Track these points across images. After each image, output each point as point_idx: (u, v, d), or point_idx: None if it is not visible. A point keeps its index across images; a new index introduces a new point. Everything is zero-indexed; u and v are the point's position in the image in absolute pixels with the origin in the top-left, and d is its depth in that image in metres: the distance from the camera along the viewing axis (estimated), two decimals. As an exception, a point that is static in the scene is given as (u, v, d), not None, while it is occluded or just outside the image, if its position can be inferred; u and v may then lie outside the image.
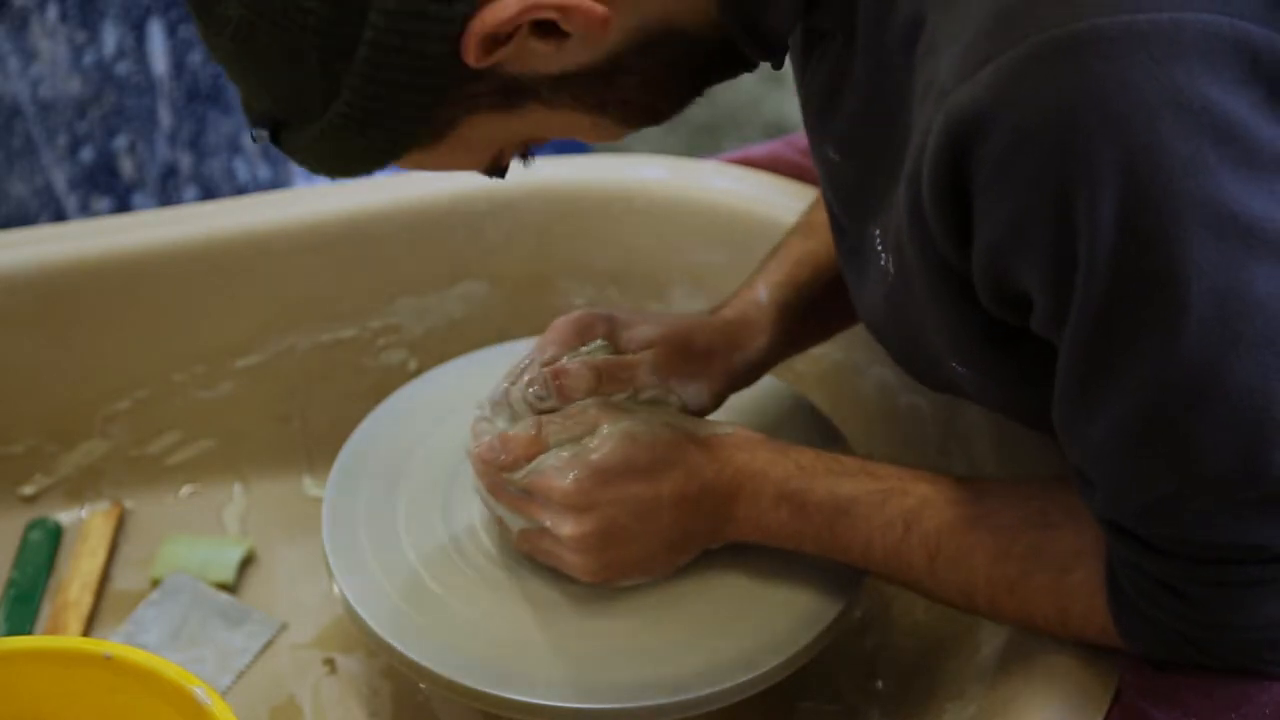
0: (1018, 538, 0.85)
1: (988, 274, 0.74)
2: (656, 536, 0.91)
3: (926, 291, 0.78)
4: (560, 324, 0.97)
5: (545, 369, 0.94)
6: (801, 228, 1.07)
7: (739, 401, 1.10)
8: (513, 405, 0.94)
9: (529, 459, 0.91)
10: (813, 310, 1.04)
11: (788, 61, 0.89)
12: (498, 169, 0.85)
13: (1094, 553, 0.83)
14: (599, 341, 0.97)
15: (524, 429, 0.91)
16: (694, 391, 0.98)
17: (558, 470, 0.90)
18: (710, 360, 0.99)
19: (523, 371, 0.96)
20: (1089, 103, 0.67)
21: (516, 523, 0.93)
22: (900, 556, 0.88)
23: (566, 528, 0.90)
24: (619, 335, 0.98)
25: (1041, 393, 0.78)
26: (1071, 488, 0.85)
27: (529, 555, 0.95)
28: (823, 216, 1.05)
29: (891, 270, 0.82)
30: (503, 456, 0.91)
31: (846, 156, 0.86)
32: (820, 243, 1.04)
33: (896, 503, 0.88)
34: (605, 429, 0.90)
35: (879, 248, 0.83)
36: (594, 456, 0.89)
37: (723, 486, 0.91)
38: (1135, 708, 0.83)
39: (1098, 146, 0.67)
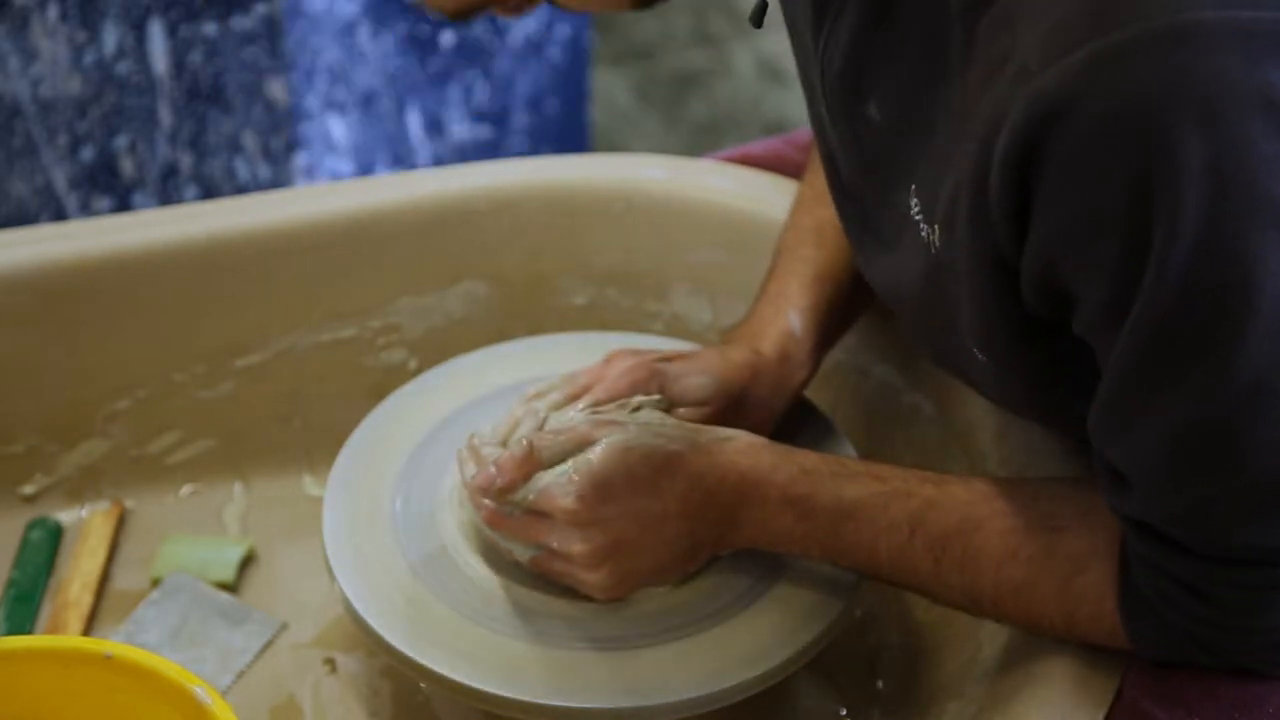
0: (1025, 540, 0.85)
1: (1040, 265, 0.73)
2: (665, 547, 0.90)
3: (969, 273, 0.78)
4: (614, 371, 0.97)
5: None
6: (809, 237, 1.06)
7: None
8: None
9: (525, 479, 0.90)
10: (839, 326, 1.05)
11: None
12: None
13: (1105, 555, 0.83)
14: (655, 397, 0.97)
15: (515, 449, 0.91)
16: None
17: (560, 488, 0.89)
18: (761, 408, 1.00)
19: (545, 399, 0.96)
20: (1183, 96, 0.66)
21: (525, 551, 0.93)
22: (905, 560, 0.88)
23: (575, 546, 0.89)
24: (670, 388, 0.98)
25: (1063, 391, 0.78)
26: (1081, 489, 0.85)
27: (545, 578, 0.94)
28: (823, 220, 1.04)
29: (937, 244, 0.80)
30: (499, 481, 0.90)
31: (889, 117, 0.84)
32: (833, 251, 1.04)
33: (901, 505, 0.88)
34: (602, 442, 0.90)
35: (917, 217, 0.82)
36: (595, 471, 0.89)
37: (726, 493, 0.90)
38: (1138, 707, 0.83)
39: (1188, 141, 0.66)
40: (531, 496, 0.90)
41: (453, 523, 1.01)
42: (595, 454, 0.89)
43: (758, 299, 1.06)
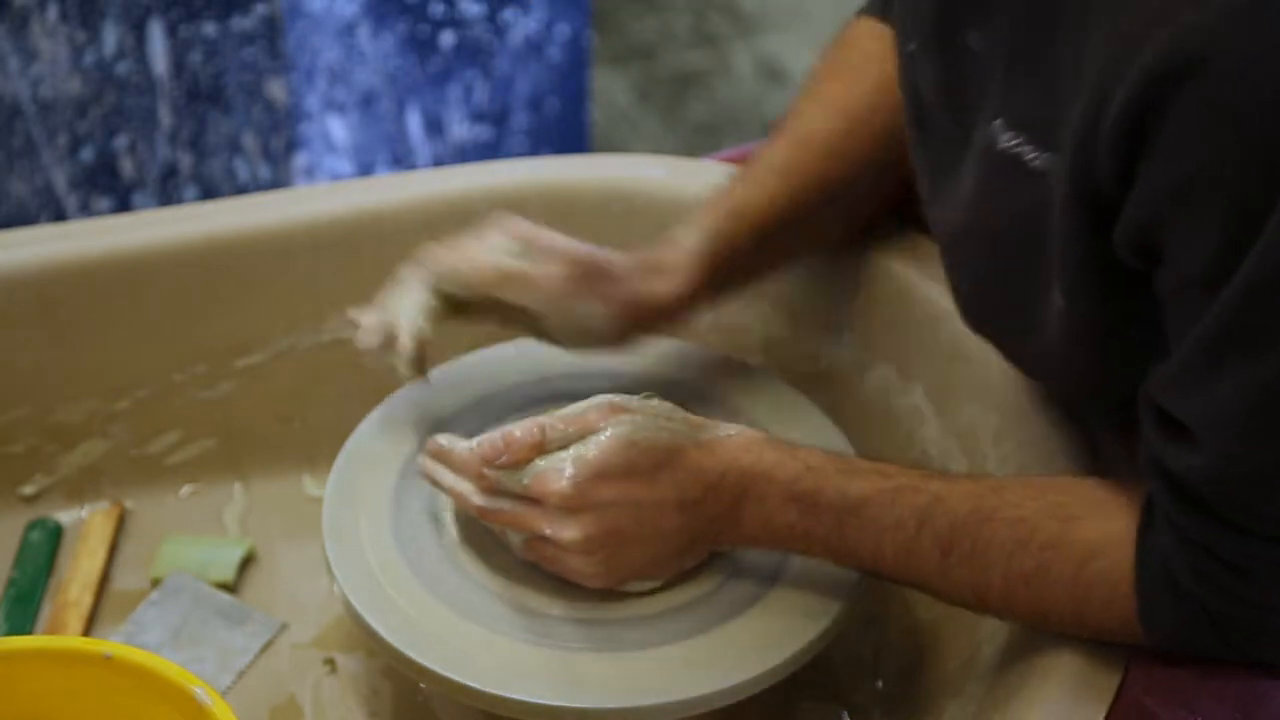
0: (1036, 530, 0.85)
1: (1142, 215, 0.73)
2: (660, 540, 0.90)
3: (1067, 209, 0.77)
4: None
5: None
6: (747, 176, 1.05)
7: (736, 400, 1.10)
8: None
9: (528, 460, 0.90)
10: (739, 264, 1.04)
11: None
12: None
13: (1119, 542, 0.83)
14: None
15: (526, 430, 0.91)
16: (592, 312, 0.99)
17: (555, 473, 0.89)
18: (616, 286, 0.99)
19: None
20: None
21: (517, 536, 0.93)
22: (912, 555, 0.87)
23: (567, 532, 0.89)
24: (533, 238, 0.99)
25: (1132, 344, 0.77)
26: (1092, 482, 0.85)
27: (536, 563, 0.94)
28: (772, 167, 1.04)
29: (1040, 175, 0.79)
30: (505, 457, 0.90)
31: (994, 48, 0.82)
32: (764, 194, 1.04)
33: (908, 500, 0.87)
34: (606, 431, 0.90)
35: (1013, 149, 0.80)
36: (591, 458, 0.89)
37: (727, 489, 0.90)
38: (1139, 705, 0.83)
39: None
40: (526, 481, 0.90)
41: (453, 523, 1.01)
42: (596, 442, 0.89)
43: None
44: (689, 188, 1.19)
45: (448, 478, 0.94)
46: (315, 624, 1.11)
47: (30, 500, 1.19)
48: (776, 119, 1.10)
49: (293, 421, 1.22)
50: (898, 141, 0.99)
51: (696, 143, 2.30)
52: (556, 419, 0.91)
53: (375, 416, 1.08)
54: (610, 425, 0.90)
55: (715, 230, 1.02)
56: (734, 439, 0.91)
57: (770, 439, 0.92)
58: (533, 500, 0.90)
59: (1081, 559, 0.84)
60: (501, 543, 0.96)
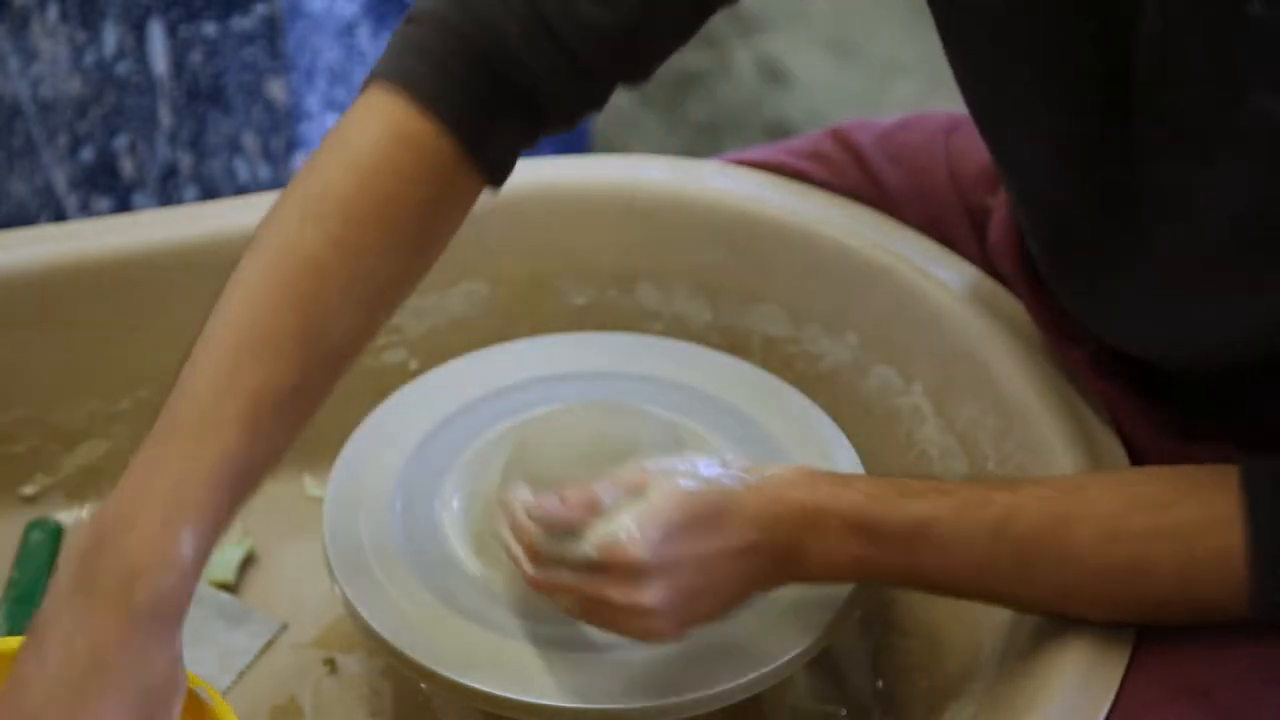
0: (1127, 520, 0.83)
1: None
2: (725, 588, 0.87)
3: None
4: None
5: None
6: (237, 414, 0.82)
7: (737, 400, 1.10)
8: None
9: (583, 522, 0.85)
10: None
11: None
12: None
13: (1226, 520, 0.81)
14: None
15: (578, 491, 0.86)
16: None
17: (626, 539, 0.83)
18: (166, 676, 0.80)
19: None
20: None
21: (573, 603, 0.88)
22: (988, 569, 0.85)
23: (643, 597, 0.84)
24: None
25: None
26: (1180, 471, 0.84)
27: (586, 623, 0.90)
28: (267, 403, 0.83)
29: None
30: (562, 513, 0.85)
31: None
32: (264, 441, 0.83)
33: (976, 515, 0.85)
34: (659, 487, 0.85)
35: None
36: (653, 518, 0.84)
37: (785, 528, 0.86)
38: (1140, 705, 0.83)
39: None
40: (591, 551, 0.84)
41: (453, 523, 1.01)
42: (654, 499, 0.85)
43: (146, 478, 0.80)
44: (689, 188, 1.20)
45: (506, 537, 0.88)
46: (315, 624, 1.11)
47: (31, 500, 1.19)
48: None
49: (293, 421, 1.21)
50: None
51: (696, 143, 2.30)
52: (607, 483, 0.87)
53: (375, 416, 1.08)
54: (660, 481, 0.86)
55: (217, 518, 0.82)
56: (782, 477, 0.88)
57: (821, 472, 0.89)
58: (599, 567, 0.84)
59: (1186, 541, 0.82)
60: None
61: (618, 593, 0.84)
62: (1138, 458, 0.97)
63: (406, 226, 0.87)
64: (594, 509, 0.85)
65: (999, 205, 1.10)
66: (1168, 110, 0.80)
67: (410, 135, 0.86)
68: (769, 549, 0.87)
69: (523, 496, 0.87)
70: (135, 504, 0.80)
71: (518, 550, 0.87)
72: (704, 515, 0.85)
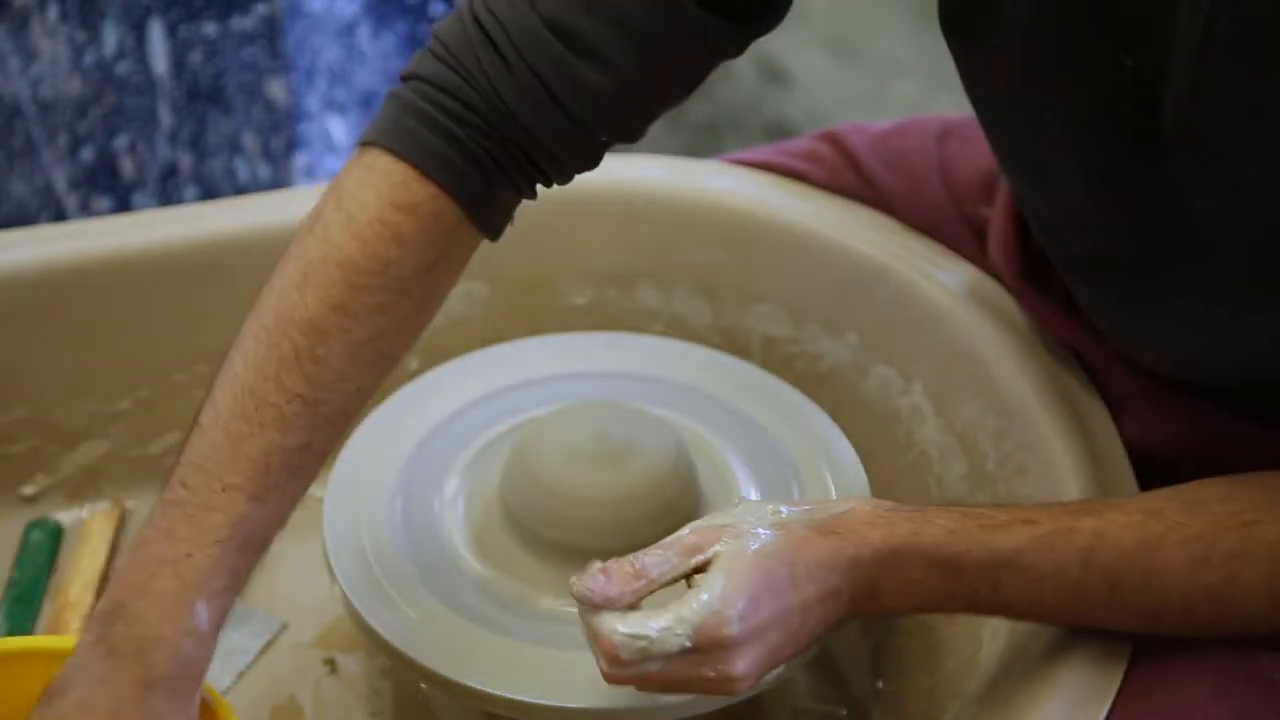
0: (1215, 543, 0.82)
1: None
2: (805, 635, 0.84)
3: None
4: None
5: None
6: (244, 481, 0.83)
7: (737, 400, 1.10)
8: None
9: (635, 595, 0.81)
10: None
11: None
12: None
13: None
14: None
15: (622, 564, 0.82)
16: None
17: (713, 618, 0.79)
18: None
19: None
20: None
21: (652, 688, 0.84)
22: (1077, 599, 0.84)
23: (738, 667, 0.81)
24: None
25: None
26: (1258, 483, 0.84)
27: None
28: (275, 466, 0.85)
29: None
30: (609, 589, 0.80)
31: None
32: (273, 505, 0.85)
33: (1065, 542, 0.83)
34: (723, 553, 0.81)
35: None
36: (738, 587, 0.80)
37: (862, 570, 0.84)
38: (1140, 705, 0.83)
39: None
40: (686, 641, 0.80)
41: (453, 522, 1.01)
42: (724, 570, 0.80)
43: (160, 548, 0.82)
44: (689, 188, 1.20)
45: (588, 635, 0.83)
46: (315, 624, 1.11)
47: (31, 500, 1.19)
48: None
49: (293, 421, 1.21)
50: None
51: (696, 143, 2.30)
52: (654, 548, 0.83)
53: (375, 416, 1.08)
54: (721, 545, 0.82)
55: (231, 584, 0.83)
56: (856, 514, 0.85)
57: (893, 505, 0.86)
58: (689, 651, 0.80)
59: (1276, 558, 0.81)
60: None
61: (711, 670, 0.81)
62: (1164, 455, 0.97)
63: (407, 288, 0.87)
64: (639, 576, 0.81)
65: (996, 215, 1.10)
66: (1199, 132, 0.80)
67: (411, 203, 0.87)
68: (849, 592, 0.84)
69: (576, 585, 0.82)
70: (150, 573, 0.81)
71: (600, 663, 0.82)
72: (782, 571, 0.82)
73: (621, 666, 0.81)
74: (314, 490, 1.19)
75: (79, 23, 1.69)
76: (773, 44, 2.50)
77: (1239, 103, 0.77)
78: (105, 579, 1.14)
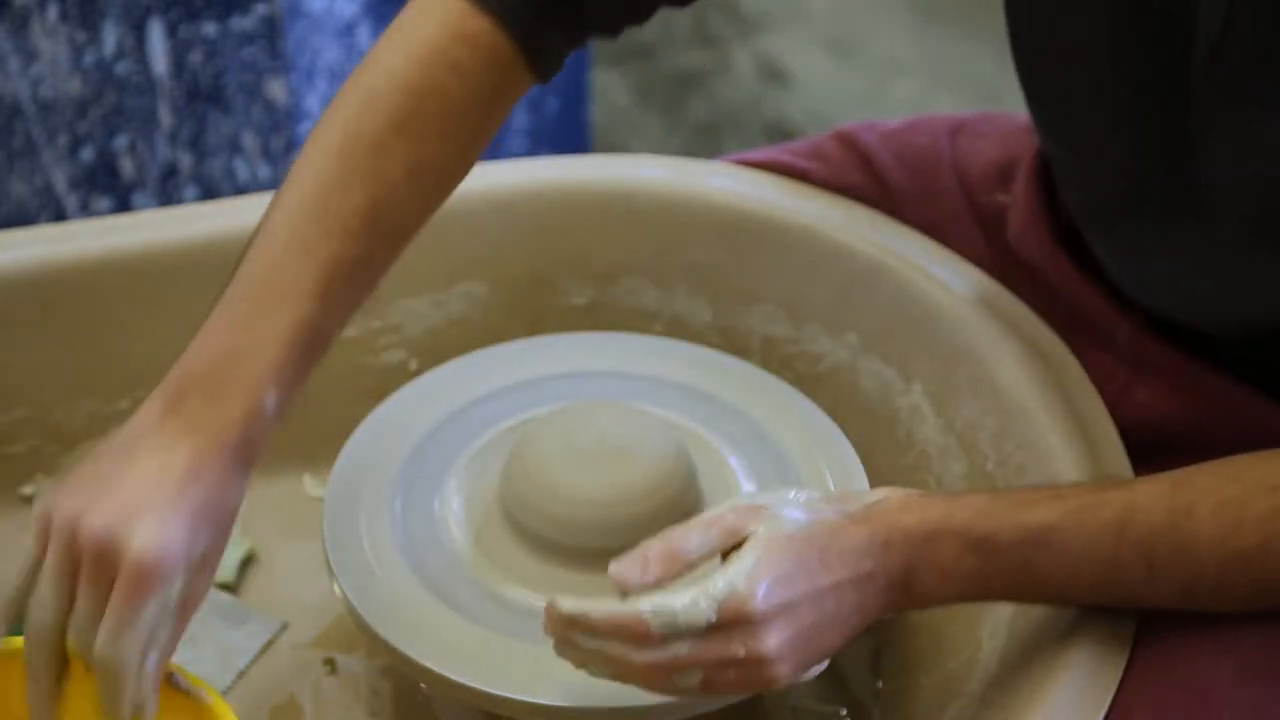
0: (1247, 508, 0.82)
1: None
2: (842, 623, 0.85)
3: None
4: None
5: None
6: (309, 287, 0.88)
7: (736, 400, 1.10)
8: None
9: (671, 575, 0.82)
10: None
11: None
12: None
13: None
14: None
15: (658, 544, 0.83)
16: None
17: (741, 590, 0.80)
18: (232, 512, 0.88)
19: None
20: None
21: (692, 679, 0.83)
22: (1113, 574, 0.84)
23: (767, 644, 0.81)
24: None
25: None
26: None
27: (713, 694, 0.85)
28: (336, 274, 0.89)
29: None
30: (648, 574, 0.81)
31: None
32: (334, 309, 0.90)
33: (1095, 517, 0.84)
34: (760, 532, 0.83)
35: None
36: (764, 564, 0.81)
37: (896, 556, 0.84)
38: (1140, 705, 0.83)
39: None
40: (710, 613, 0.81)
41: (453, 523, 1.01)
42: (756, 548, 0.82)
43: (229, 339, 0.88)
44: (689, 188, 1.20)
45: (590, 644, 0.83)
46: (315, 624, 1.11)
47: (30, 500, 1.19)
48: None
49: (293, 421, 1.21)
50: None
51: (696, 143, 2.30)
52: (692, 524, 0.85)
53: (375, 416, 1.08)
54: (760, 525, 0.83)
55: (296, 377, 0.89)
56: (887, 502, 0.86)
57: (923, 493, 0.88)
58: (716, 628, 0.81)
59: None
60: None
61: (740, 647, 0.81)
62: (1189, 434, 0.97)
63: (463, 117, 0.93)
64: (677, 559, 0.82)
65: (1019, 194, 1.10)
66: (1222, 75, 0.81)
67: (468, 33, 0.92)
68: (884, 576, 0.84)
69: (580, 603, 0.83)
70: (219, 364, 0.87)
71: (615, 650, 0.82)
72: (812, 554, 0.83)
73: (652, 648, 0.81)
74: (314, 490, 1.20)
75: (79, 23, 1.69)
76: (773, 44, 2.51)
77: (1263, 48, 0.78)
78: (105, 579, 1.14)
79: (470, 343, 1.17)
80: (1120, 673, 0.85)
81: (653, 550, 0.83)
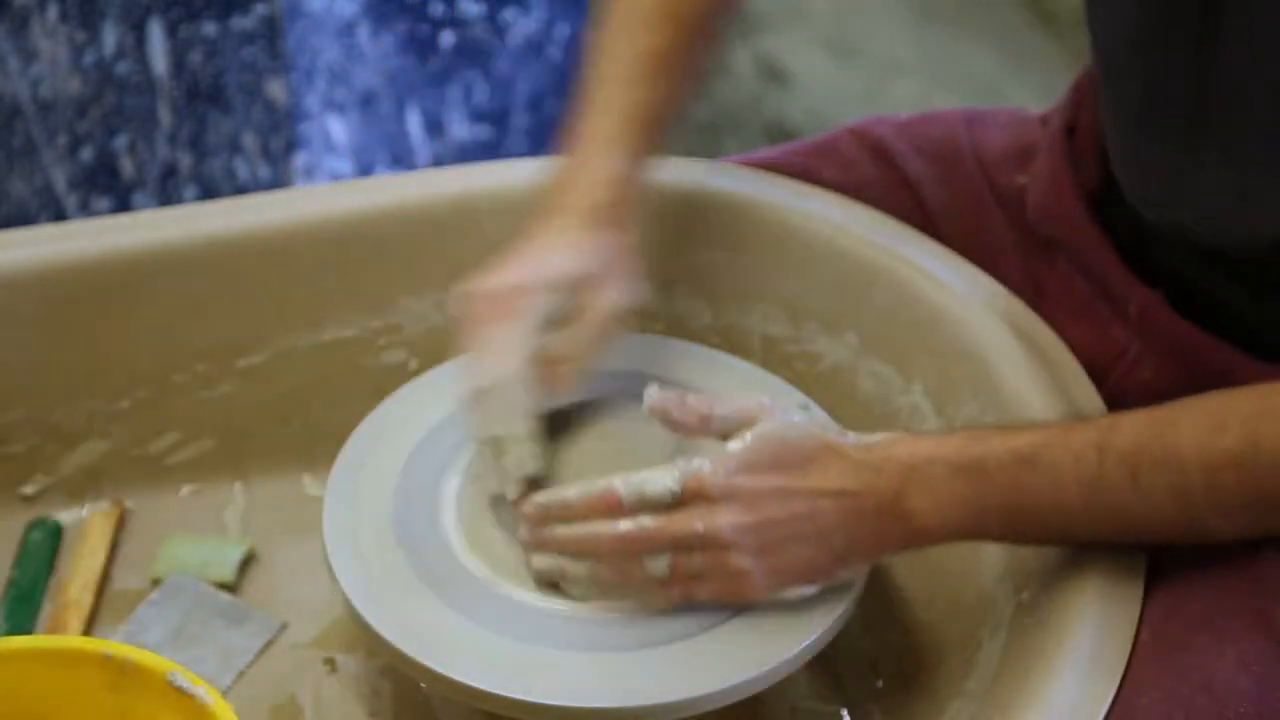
0: (1232, 409, 0.83)
1: None
2: (818, 537, 0.88)
3: None
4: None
5: None
6: (628, 73, 1.04)
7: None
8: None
9: (700, 426, 0.91)
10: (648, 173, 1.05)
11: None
12: None
13: None
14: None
15: (700, 397, 0.92)
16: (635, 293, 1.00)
17: (708, 466, 0.88)
18: (628, 254, 1.00)
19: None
20: None
21: (659, 562, 0.90)
22: (1100, 489, 0.84)
23: (720, 518, 0.87)
24: (588, 302, 0.98)
25: None
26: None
27: (686, 597, 0.92)
28: (648, 59, 1.04)
29: None
30: (682, 413, 0.91)
31: None
32: (654, 91, 1.03)
33: (1080, 434, 0.86)
34: (758, 427, 0.89)
35: None
36: (737, 451, 0.88)
37: (886, 482, 0.87)
38: (1140, 705, 0.83)
39: None
40: (673, 484, 0.88)
41: (453, 522, 1.01)
42: (745, 437, 0.88)
43: (576, 137, 1.03)
44: (689, 188, 1.20)
45: (565, 531, 0.92)
46: (315, 624, 1.11)
47: (30, 500, 1.19)
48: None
49: (293, 421, 1.22)
50: None
51: (696, 143, 2.30)
52: (725, 398, 0.92)
53: (375, 416, 1.08)
54: (763, 421, 0.89)
55: (637, 147, 1.02)
56: (887, 439, 0.90)
57: (916, 433, 0.92)
58: (678, 506, 0.88)
59: None
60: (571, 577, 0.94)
61: (699, 522, 0.87)
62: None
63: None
64: (706, 418, 0.90)
65: (1042, 167, 1.10)
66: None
67: None
68: (872, 498, 0.87)
69: (548, 493, 0.93)
70: (572, 144, 1.02)
71: (592, 528, 0.90)
72: (794, 459, 0.88)
73: (623, 517, 0.88)
74: (314, 490, 1.20)
75: (79, 23, 1.69)
76: (773, 44, 2.51)
77: None
78: (105, 578, 1.15)
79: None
80: (1120, 673, 0.85)
81: (692, 398, 0.91)
